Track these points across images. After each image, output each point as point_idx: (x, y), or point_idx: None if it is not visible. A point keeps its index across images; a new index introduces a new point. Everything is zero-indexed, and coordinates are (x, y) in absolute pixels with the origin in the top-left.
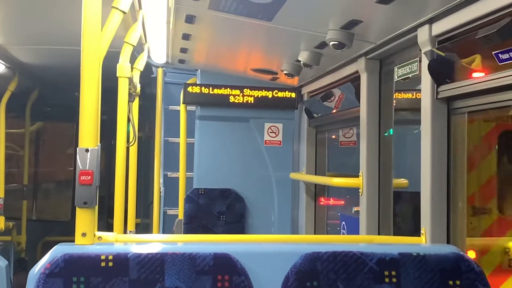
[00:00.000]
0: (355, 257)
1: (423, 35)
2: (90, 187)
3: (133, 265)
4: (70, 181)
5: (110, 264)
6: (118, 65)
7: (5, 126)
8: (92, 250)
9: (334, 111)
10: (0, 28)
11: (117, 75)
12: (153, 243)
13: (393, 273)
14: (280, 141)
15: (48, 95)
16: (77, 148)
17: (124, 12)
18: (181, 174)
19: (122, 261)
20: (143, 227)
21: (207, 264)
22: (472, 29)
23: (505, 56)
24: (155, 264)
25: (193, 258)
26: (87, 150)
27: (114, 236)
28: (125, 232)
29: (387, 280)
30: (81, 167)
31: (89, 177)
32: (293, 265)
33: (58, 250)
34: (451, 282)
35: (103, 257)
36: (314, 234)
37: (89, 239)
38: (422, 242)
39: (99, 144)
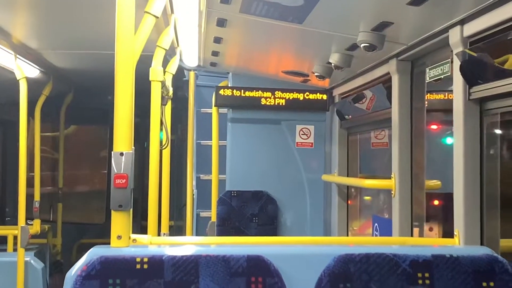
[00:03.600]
0: (388, 259)
1: (454, 36)
2: (125, 190)
3: (168, 267)
4: (104, 184)
5: (145, 266)
6: (150, 69)
7: (40, 130)
8: (127, 253)
9: (366, 112)
10: (34, 34)
11: (150, 78)
12: (187, 245)
13: (426, 275)
14: (311, 143)
15: (81, 99)
16: (112, 152)
17: (156, 17)
18: (214, 177)
19: (157, 263)
20: (176, 229)
21: (240, 266)
22: (505, 29)
23: None
24: (189, 266)
25: (227, 260)
26: (121, 154)
27: (148, 239)
28: (158, 234)
29: (420, 282)
30: (116, 170)
31: (124, 180)
32: (326, 267)
33: (94, 253)
34: (484, 284)
35: (138, 259)
36: (347, 235)
37: (124, 241)
38: (456, 244)
39: (133, 147)
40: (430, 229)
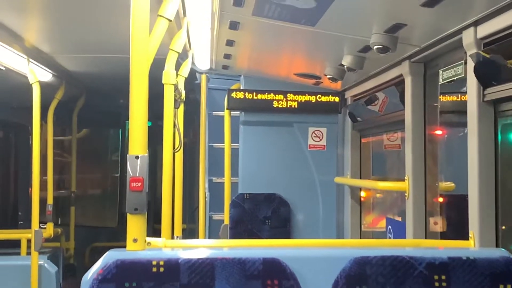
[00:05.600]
0: (404, 261)
1: (468, 37)
2: (141, 194)
3: (184, 270)
4: (116, 187)
5: (161, 269)
6: (163, 72)
7: (53, 133)
8: (143, 256)
9: (378, 115)
10: (47, 37)
11: (163, 82)
12: (203, 248)
13: (443, 277)
14: (324, 145)
15: (94, 102)
16: (127, 155)
17: (169, 20)
18: (226, 179)
19: (173, 266)
20: (189, 232)
21: (256, 268)
22: None
23: None
24: (205, 269)
25: (243, 263)
26: (137, 157)
27: (163, 242)
28: (172, 237)
29: (437, 284)
30: (131, 173)
31: (140, 183)
32: (342, 269)
33: (110, 256)
34: (501, 286)
35: (154, 263)
36: (360, 238)
37: (140, 245)
38: (471, 246)
39: (147, 151)
40: (435, 223)
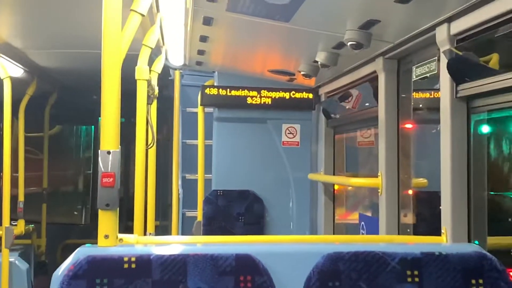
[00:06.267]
0: (377, 256)
1: (441, 34)
2: (112, 189)
3: (156, 266)
4: (89, 185)
5: (133, 265)
6: (136, 67)
7: (24, 130)
8: (115, 252)
9: (352, 111)
10: (18, 32)
11: (136, 77)
12: (175, 245)
13: (416, 272)
14: (298, 142)
15: (66, 99)
16: (99, 151)
17: (142, 15)
18: (200, 176)
19: (145, 263)
20: (162, 229)
21: (229, 265)
22: (492, 27)
23: None
24: (177, 265)
25: (215, 259)
26: (108, 152)
27: (135, 238)
28: (144, 234)
29: (409, 279)
30: (103, 169)
31: (111, 179)
32: (315, 265)
33: (81, 252)
34: (473, 281)
35: (126, 259)
36: (333, 234)
37: (111, 241)
38: (443, 242)
39: (119, 146)
40: (405, 215)
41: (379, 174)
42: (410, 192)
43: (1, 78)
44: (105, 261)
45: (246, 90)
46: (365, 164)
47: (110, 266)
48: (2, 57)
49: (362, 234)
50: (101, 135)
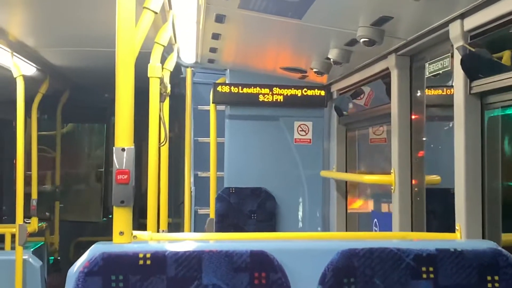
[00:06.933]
0: (392, 253)
1: (455, 30)
2: (127, 186)
3: (171, 262)
4: (101, 182)
5: (148, 262)
6: (149, 65)
7: (37, 128)
8: (130, 249)
9: (364, 108)
10: (31, 31)
11: (148, 75)
12: (189, 241)
13: (430, 269)
14: (310, 139)
15: (78, 97)
16: (114, 148)
17: (155, 12)
18: (212, 174)
19: (160, 259)
20: (174, 226)
21: (244, 261)
22: (505, 23)
23: None
24: (192, 261)
25: (230, 256)
26: (123, 149)
27: (149, 235)
28: (157, 231)
29: (424, 276)
30: (117, 166)
31: (126, 176)
32: (329, 262)
33: (96, 249)
34: (489, 278)
35: (141, 255)
36: (346, 231)
37: (126, 237)
38: (457, 238)
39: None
40: (418, 212)
41: (392, 171)
42: (423, 189)
43: (14, 76)
44: (120, 258)
45: (258, 87)
46: (378, 161)
47: (125, 262)
48: (15, 56)
49: (375, 231)
50: (115, 132)
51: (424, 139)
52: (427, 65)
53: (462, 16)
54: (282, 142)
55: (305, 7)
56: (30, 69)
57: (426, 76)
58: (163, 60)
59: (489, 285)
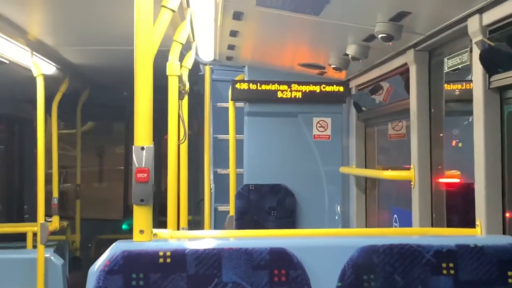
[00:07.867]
0: (411, 249)
1: (473, 25)
2: (147, 185)
3: (191, 260)
4: (121, 180)
5: (168, 260)
6: (167, 63)
7: (57, 127)
8: (150, 247)
9: (383, 104)
10: (50, 30)
11: (167, 73)
12: (209, 239)
13: (451, 265)
14: (329, 135)
15: (97, 95)
16: (133, 146)
17: (173, 11)
18: (231, 171)
19: (180, 257)
20: (194, 223)
21: (263, 259)
22: None
23: None
24: (212, 259)
25: (250, 253)
26: (142, 148)
27: (169, 233)
28: (178, 229)
29: (444, 272)
30: (137, 165)
31: (145, 174)
32: (349, 258)
33: (117, 247)
34: (510, 273)
35: (161, 254)
36: (366, 227)
37: (147, 236)
38: (477, 234)
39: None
40: (438, 208)
41: (411, 166)
42: (443, 184)
43: (34, 75)
44: (141, 256)
45: (276, 84)
46: (397, 156)
47: (146, 261)
48: (35, 55)
49: (395, 227)
50: (134, 131)
51: (443, 134)
52: (445, 60)
53: (481, 11)
54: (301, 139)
55: (323, 3)
56: (50, 68)
57: (444, 71)
58: (181, 58)
59: (510, 280)
